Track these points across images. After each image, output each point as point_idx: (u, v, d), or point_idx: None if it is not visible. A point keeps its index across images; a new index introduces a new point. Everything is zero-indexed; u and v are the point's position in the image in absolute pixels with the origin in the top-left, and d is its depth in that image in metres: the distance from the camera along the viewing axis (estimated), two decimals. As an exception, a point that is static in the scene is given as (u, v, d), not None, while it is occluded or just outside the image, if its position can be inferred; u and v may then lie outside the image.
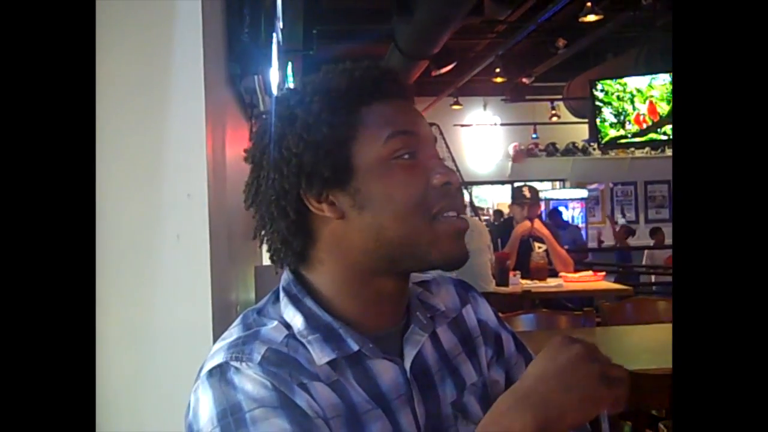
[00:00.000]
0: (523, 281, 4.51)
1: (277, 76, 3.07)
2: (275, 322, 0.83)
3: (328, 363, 0.80)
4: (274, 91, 3.07)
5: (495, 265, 4.33)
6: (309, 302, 0.84)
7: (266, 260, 4.63)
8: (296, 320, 0.83)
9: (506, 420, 0.69)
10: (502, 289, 4.26)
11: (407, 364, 0.86)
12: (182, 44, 1.40)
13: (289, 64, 5.51)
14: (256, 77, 2.18)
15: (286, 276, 0.88)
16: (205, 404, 0.76)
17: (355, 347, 0.82)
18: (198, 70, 1.41)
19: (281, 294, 0.86)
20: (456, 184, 0.84)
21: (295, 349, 0.80)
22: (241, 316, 0.87)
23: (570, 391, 0.69)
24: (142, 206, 1.40)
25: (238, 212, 2.20)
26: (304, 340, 0.81)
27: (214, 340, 1.42)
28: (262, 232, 0.88)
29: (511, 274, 4.44)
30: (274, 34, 2.80)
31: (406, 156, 0.83)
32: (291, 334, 0.82)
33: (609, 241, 10.36)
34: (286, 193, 0.83)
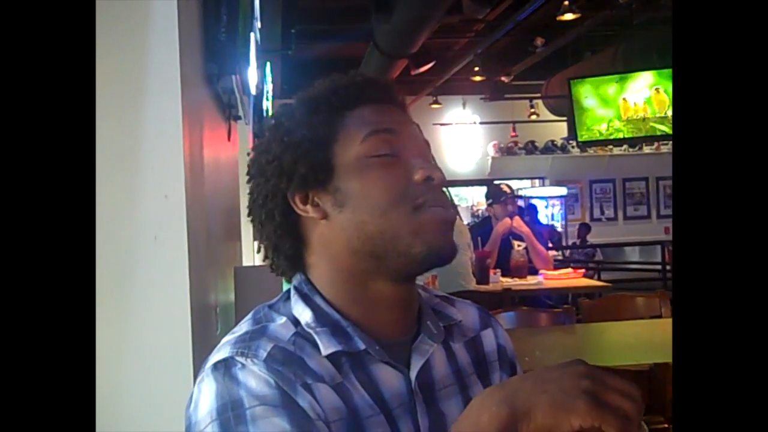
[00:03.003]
0: (504, 279, 4.53)
1: (256, 75, 3.06)
2: (284, 319, 0.84)
3: (334, 364, 0.80)
4: (252, 90, 3.06)
5: (475, 263, 4.34)
6: (318, 300, 0.85)
7: (246, 261, 4.60)
8: (305, 314, 0.84)
9: (475, 413, 0.68)
10: (483, 288, 4.27)
11: (413, 374, 0.85)
12: (158, 44, 1.39)
13: (268, 63, 5.49)
14: (233, 77, 2.17)
15: (298, 276, 0.89)
16: (206, 397, 0.76)
17: (362, 346, 0.82)
18: (174, 69, 1.40)
19: (292, 291, 0.88)
20: (439, 179, 0.84)
21: (301, 347, 0.80)
22: (253, 310, 0.88)
23: (545, 393, 0.66)
24: (118, 207, 1.39)
25: (216, 213, 2.18)
26: (311, 331, 0.82)
27: (193, 343, 1.42)
28: (259, 242, 0.90)
29: (491, 272, 4.46)
30: (252, 34, 2.79)
31: (386, 154, 0.84)
32: (299, 331, 0.82)
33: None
34: (272, 196, 0.86)
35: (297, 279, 0.89)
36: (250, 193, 0.90)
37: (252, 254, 4.64)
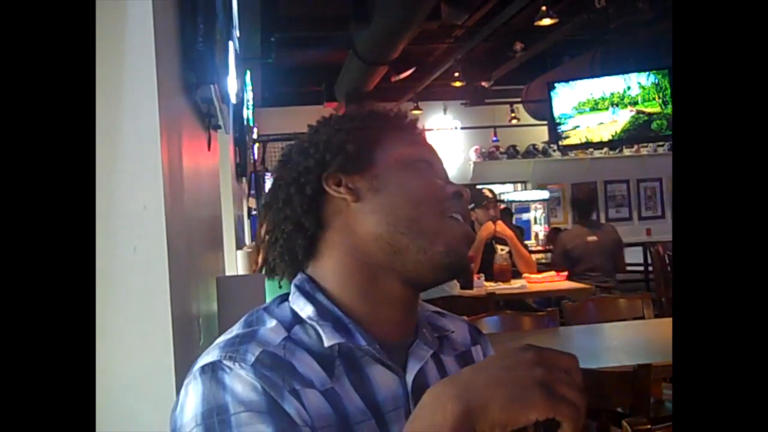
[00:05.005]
0: (487, 284, 4.54)
1: (235, 84, 3.05)
2: (275, 322, 0.83)
3: (326, 368, 0.80)
4: (232, 99, 3.05)
5: (459, 268, 4.34)
6: (320, 297, 0.86)
7: (229, 271, 4.54)
8: (307, 309, 0.85)
9: (429, 411, 0.66)
10: (467, 292, 4.27)
11: (409, 378, 0.85)
12: (133, 53, 1.38)
13: (248, 72, 5.48)
14: (212, 86, 2.15)
15: (299, 276, 0.91)
16: (192, 400, 0.75)
17: (363, 342, 0.82)
18: (151, 79, 1.39)
19: (293, 289, 0.88)
20: (467, 198, 0.91)
21: (292, 352, 0.80)
22: (248, 312, 0.88)
23: (499, 387, 0.65)
24: (96, 219, 1.37)
25: (197, 223, 2.17)
26: (315, 324, 0.82)
27: (175, 354, 1.40)
28: (272, 231, 0.91)
29: (475, 276, 4.46)
30: (231, 42, 2.78)
31: (425, 160, 0.92)
32: (290, 335, 0.82)
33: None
34: (307, 172, 0.89)
35: (299, 278, 0.90)
36: (276, 178, 0.93)
37: (234, 264, 4.60)
